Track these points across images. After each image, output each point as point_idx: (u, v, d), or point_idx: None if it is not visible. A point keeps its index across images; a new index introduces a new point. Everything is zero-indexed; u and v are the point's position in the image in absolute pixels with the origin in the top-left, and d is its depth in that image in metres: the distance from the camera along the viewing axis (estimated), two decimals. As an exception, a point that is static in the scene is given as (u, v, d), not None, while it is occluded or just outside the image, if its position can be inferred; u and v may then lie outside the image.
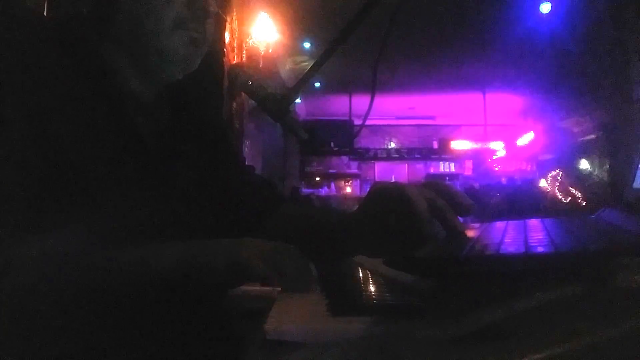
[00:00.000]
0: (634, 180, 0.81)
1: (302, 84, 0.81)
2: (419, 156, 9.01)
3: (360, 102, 6.91)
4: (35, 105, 0.63)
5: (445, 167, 8.97)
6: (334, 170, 8.93)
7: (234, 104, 3.60)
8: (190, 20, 0.75)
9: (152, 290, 0.64)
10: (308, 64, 0.89)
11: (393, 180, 0.67)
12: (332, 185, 8.78)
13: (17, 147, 0.61)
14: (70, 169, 0.64)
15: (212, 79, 3.25)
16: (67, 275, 0.61)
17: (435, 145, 8.62)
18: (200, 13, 0.75)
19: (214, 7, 0.77)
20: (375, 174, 9.07)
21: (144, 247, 0.64)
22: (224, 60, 3.37)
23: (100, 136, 0.69)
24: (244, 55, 3.87)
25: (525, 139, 7.87)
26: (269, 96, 0.79)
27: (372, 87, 0.90)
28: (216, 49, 3.34)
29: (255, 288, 1.24)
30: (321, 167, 8.90)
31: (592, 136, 5.36)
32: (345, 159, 8.75)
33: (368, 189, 0.75)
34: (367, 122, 1.05)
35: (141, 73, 0.77)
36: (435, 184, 0.68)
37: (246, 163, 1.00)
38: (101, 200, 0.66)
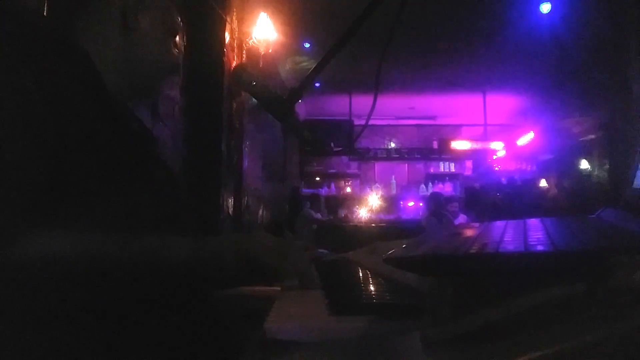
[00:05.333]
0: (634, 180, 0.81)
1: (306, 84, 0.82)
2: (419, 156, 8.99)
3: (360, 102, 6.90)
4: (36, 104, 0.63)
5: (445, 167, 8.95)
6: (334, 170, 8.92)
7: (234, 104, 3.59)
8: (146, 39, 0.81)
9: (162, 279, 0.65)
10: (308, 64, 0.89)
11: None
12: (332, 185, 8.77)
13: (18, 147, 0.61)
14: (68, 166, 0.65)
15: (211, 79, 3.25)
16: (75, 262, 0.62)
17: (435, 145, 8.60)
18: (159, 32, 0.82)
19: (172, 24, 0.83)
20: (375, 174, 9.05)
21: (154, 238, 0.66)
22: (224, 60, 3.37)
23: (99, 135, 0.69)
24: (244, 55, 3.86)
25: (525, 139, 7.85)
26: (273, 97, 0.80)
27: (375, 88, 0.91)
28: (216, 49, 3.34)
29: (255, 288, 1.24)
30: (321, 167, 8.89)
31: (592, 136, 5.35)
32: (345, 159, 8.73)
33: None
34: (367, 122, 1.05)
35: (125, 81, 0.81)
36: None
37: (244, 166, 1.00)
38: (100, 197, 0.67)
